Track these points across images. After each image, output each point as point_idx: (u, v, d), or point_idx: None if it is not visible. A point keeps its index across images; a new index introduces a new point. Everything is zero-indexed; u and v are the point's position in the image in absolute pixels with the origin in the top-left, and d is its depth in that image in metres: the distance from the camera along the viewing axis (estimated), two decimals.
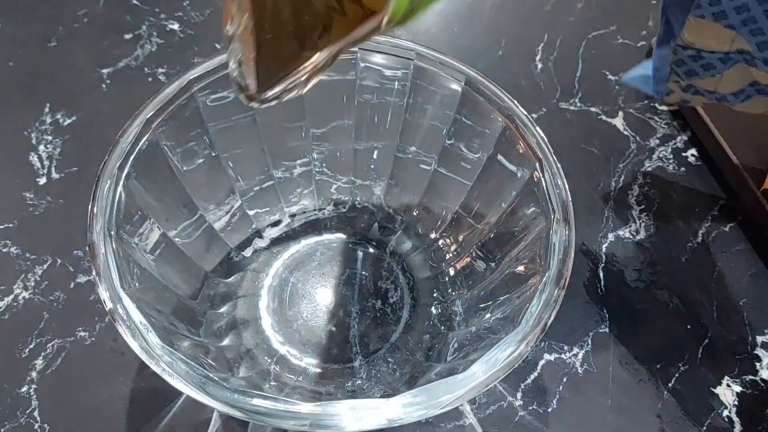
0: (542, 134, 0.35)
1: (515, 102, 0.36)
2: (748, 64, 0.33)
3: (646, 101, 0.56)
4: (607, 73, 0.58)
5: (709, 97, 0.37)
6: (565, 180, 0.34)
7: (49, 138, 0.49)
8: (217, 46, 0.56)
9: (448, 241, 0.44)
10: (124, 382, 0.39)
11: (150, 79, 0.53)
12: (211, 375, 0.27)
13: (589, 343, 0.43)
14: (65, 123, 0.50)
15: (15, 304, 0.42)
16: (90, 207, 0.30)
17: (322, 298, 0.43)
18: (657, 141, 0.54)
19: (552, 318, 0.30)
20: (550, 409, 0.40)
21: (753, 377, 0.43)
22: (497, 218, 0.39)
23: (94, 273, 0.29)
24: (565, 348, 0.43)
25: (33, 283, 0.43)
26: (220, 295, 0.41)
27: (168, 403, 0.39)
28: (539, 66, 0.58)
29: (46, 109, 0.51)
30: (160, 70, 0.54)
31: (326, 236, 0.46)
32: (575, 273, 0.46)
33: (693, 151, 0.53)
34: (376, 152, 0.44)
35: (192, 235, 0.40)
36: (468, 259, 0.42)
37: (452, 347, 0.39)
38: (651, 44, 0.56)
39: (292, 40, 0.25)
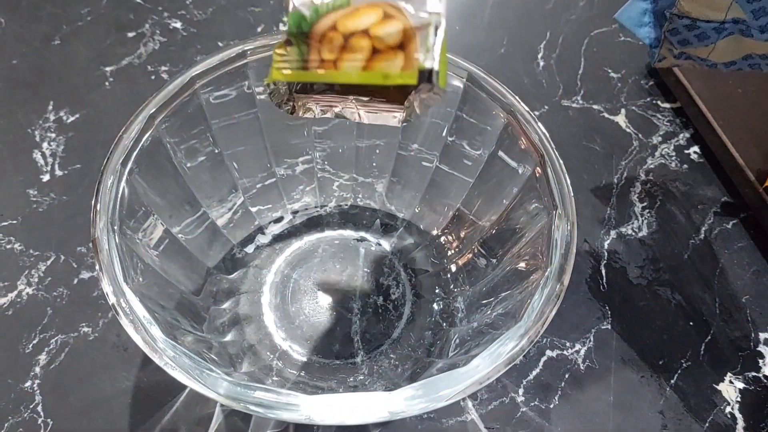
0: (544, 130, 0.35)
1: (517, 98, 0.36)
2: (743, 34, 0.33)
3: (648, 99, 0.56)
4: (609, 70, 0.58)
5: (701, 64, 0.37)
6: (567, 175, 0.34)
7: (53, 135, 0.50)
8: (220, 44, 0.56)
9: (449, 237, 0.44)
10: (127, 377, 0.40)
11: (153, 77, 0.54)
12: (213, 368, 0.27)
13: (592, 339, 0.43)
14: (69, 121, 0.50)
15: (19, 300, 0.42)
16: (93, 202, 0.31)
17: (324, 295, 0.43)
18: (659, 138, 0.54)
19: (554, 312, 0.30)
20: (552, 405, 0.40)
21: (756, 374, 0.43)
22: (499, 215, 0.39)
23: (97, 267, 0.29)
24: (568, 344, 0.43)
25: (36, 279, 0.43)
26: (223, 291, 0.41)
27: (171, 398, 0.39)
28: (541, 64, 0.58)
29: (50, 107, 0.51)
30: (163, 68, 0.54)
31: (328, 233, 0.46)
32: (577, 270, 0.46)
33: (695, 148, 0.53)
34: (377, 150, 0.44)
35: (195, 231, 0.40)
36: (470, 256, 0.42)
37: (454, 343, 0.39)
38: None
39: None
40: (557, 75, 0.57)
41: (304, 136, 0.43)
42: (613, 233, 0.48)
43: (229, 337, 0.39)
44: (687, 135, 0.54)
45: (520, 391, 0.41)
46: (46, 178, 0.47)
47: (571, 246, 0.32)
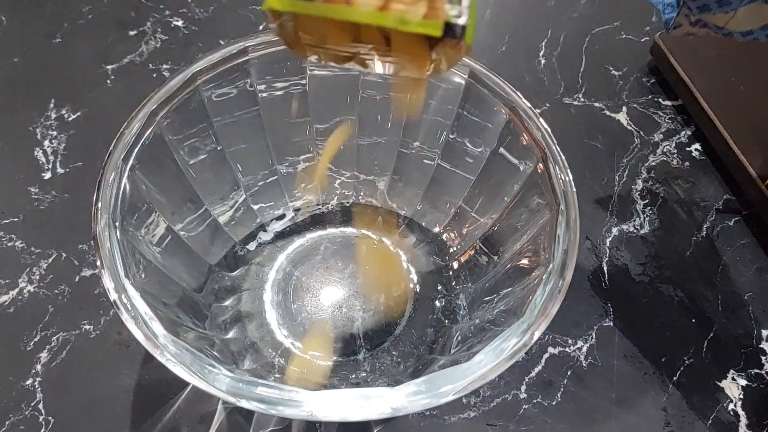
0: (546, 126, 0.35)
1: (519, 94, 0.36)
2: (766, 1, 0.33)
3: (650, 96, 0.56)
4: (611, 68, 0.58)
5: (716, 32, 0.36)
6: (569, 171, 0.34)
7: (54, 133, 0.50)
8: (221, 42, 0.56)
9: (451, 235, 0.44)
10: (128, 374, 0.39)
11: (154, 75, 0.54)
12: (216, 364, 0.27)
13: (594, 336, 0.43)
14: (70, 118, 0.50)
15: (20, 297, 0.42)
16: (94, 198, 0.30)
17: (326, 292, 0.43)
18: (661, 136, 0.54)
19: (556, 308, 0.30)
20: (554, 403, 0.40)
21: (758, 371, 0.42)
22: (500, 212, 0.39)
23: (98, 263, 0.29)
24: (570, 341, 0.43)
25: (38, 277, 0.43)
26: (225, 288, 0.41)
27: (172, 395, 0.39)
28: (543, 62, 0.58)
29: (51, 105, 0.51)
30: (165, 66, 0.54)
31: (330, 230, 0.46)
32: (579, 267, 0.46)
33: (697, 145, 0.53)
34: (379, 147, 0.44)
35: (197, 228, 0.40)
36: (471, 253, 0.42)
37: (456, 340, 0.39)
38: (655, 39, 0.56)
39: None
40: (559, 73, 0.57)
41: (305, 133, 0.43)
42: (615, 230, 0.48)
43: (231, 335, 0.39)
44: (688, 132, 0.54)
45: (523, 388, 0.41)
46: (47, 175, 0.47)
47: (574, 241, 0.32)
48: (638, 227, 0.48)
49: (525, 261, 0.36)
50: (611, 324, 0.44)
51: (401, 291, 0.42)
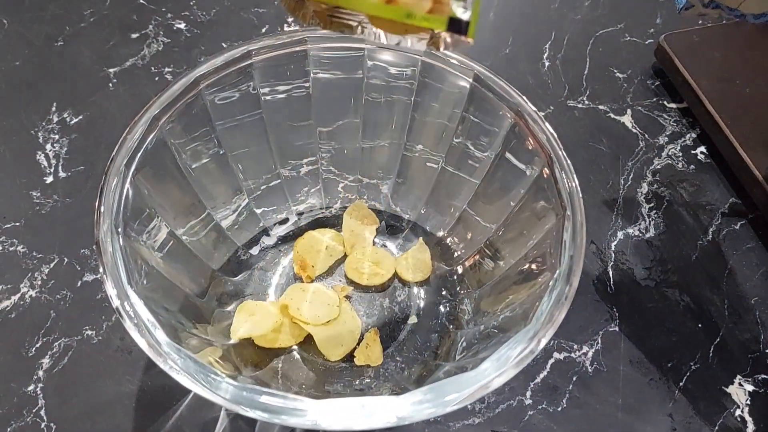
0: (552, 130, 0.35)
1: (524, 97, 0.36)
2: None
3: (654, 99, 0.56)
4: (615, 70, 0.57)
5: (728, 13, 0.36)
6: (575, 176, 0.33)
7: (56, 137, 0.49)
8: (224, 45, 0.56)
9: (456, 239, 0.44)
10: (131, 380, 0.39)
11: (156, 79, 0.53)
12: (218, 372, 0.27)
13: (599, 341, 0.43)
14: (72, 122, 0.50)
15: (22, 302, 0.42)
16: (97, 203, 0.30)
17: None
18: (666, 138, 0.53)
19: (563, 315, 0.29)
20: (560, 408, 0.40)
21: (765, 376, 0.42)
22: (506, 216, 0.39)
23: (101, 270, 0.29)
24: (575, 347, 0.42)
25: (40, 282, 0.43)
26: (228, 293, 0.41)
27: (175, 402, 0.38)
28: (546, 64, 0.57)
29: (53, 108, 0.51)
30: (167, 69, 0.54)
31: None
32: (584, 271, 0.45)
33: (702, 148, 0.53)
34: (383, 151, 0.44)
35: (200, 233, 0.40)
36: (476, 258, 0.42)
37: (461, 346, 0.39)
38: (659, 41, 0.56)
39: None
40: (563, 75, 0.57)
41: (308, 137, 0.43)
42: (620, 234, 0.48)
43: (234, 340, 0.39)
44: (694, 135, 0.54)
45: (528, 393, 0.41)
46: (49, 179, 0.47)
47: (580, 247, 0.31)
48: (643, 231, 0.48)
49: (531, 266, 0.36)
50: (617, 329, 0.43)
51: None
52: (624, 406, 0.40)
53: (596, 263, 0.46)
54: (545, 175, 0.35)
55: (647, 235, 0.48)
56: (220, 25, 0.58)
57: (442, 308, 0.42)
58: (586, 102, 0.55)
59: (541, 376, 0.41)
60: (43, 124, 0.50)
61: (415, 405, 0.27)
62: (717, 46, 0.55)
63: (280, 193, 0.45)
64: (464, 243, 0.43)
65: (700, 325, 0.44)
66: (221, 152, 0.39)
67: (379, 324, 0.41)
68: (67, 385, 0.39)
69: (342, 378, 0.39)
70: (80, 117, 0.51)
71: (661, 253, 0.47)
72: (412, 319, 0.42)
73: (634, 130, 0.53)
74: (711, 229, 0.49)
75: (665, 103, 0.56)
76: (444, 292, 0.43)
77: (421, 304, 0.43)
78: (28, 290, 0.42)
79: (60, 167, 0.48)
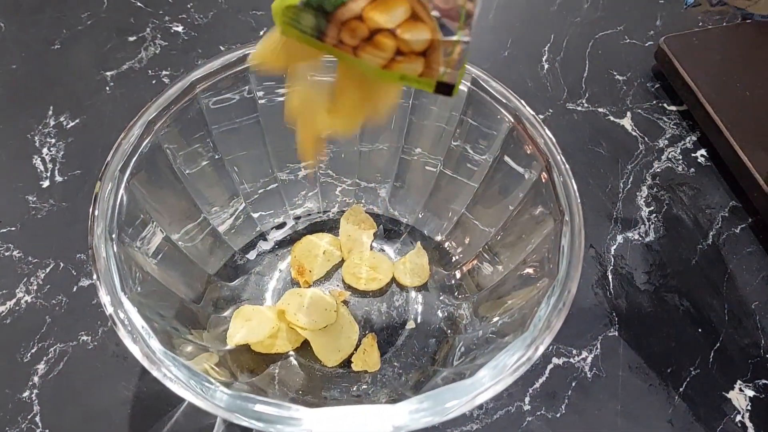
0: (550, 134, 0.34)
1: (522, 102, 0.35)
2: None
3: (654, 102, 0.55)
4: (615, 73, 0.57)
5: (735, 11, 0.35)
6: (573, 181, 0.33)
7: (53, 141, 0.49)
8: (221, 48, 0.56)
9: (454, 243, 0.44)
10: (126, 386, 0.39)
11: (154, 82, 0.53)
12: (212, 380, 0.27)
13: (598, 347, 0.42)
14: (69, 126, 0.50)
15: (17, 308, 0.41)
16: (91, 210, 0.30)
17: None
18: (666, 142, 0.53)
19: (561, 322, 0.29)
20: (558, 414, 0.40)
21: (766, 381, 0.42)
22: (504, 220, 0.38)
23: (94, 276, 0.28)
24: (574, 352, 0.42)
25: (35, 287, 0.42)
26: (224, 298, 0.41)
27: (171, 408, 0.38)
28: (546, 67, 0.57)
29: (50, 112, 0.51)
30: (164, 72, 0.54)
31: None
32: (583, 276, 0.45)
33: (702, 151, 0.53)
34: (381, 154, 0.43)
35: (196, 238, 0.39)
36: (475, 262, 0.42)
37: (459, 351, 0.38)
38: (659, 44, 0.55)
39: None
40: (562, 78, 0.56)
41: None
42: (619, 238, 0.47)
43: (230, 346, 0.38)
44: (694, 138, 0.53)
45: (526, 399, 0.40)
46: (45, 184, 0.47)
47: (578, 253, 0.31)
48: (643, 235, 0.48)
49: (529, 271, 0.36)
50: (616, 334, 0.43)
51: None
52: (623, 412, 0.40)
53: (595, 267, 0.46)
54: (543, 180, 0.34)
55: (647, 239, 0.48)
56: (217, 28, 0.57)
57: (440, 313, 0.42)
58: (586, 105, 0.55)
59: (540, 381, 0.41)
60: (40, 128, 0.50)
61: (411, 413, 0.27)
62: (717, 49, 0.55)
63: (277, 197, 0.44)
64: (462, 247, 0.43)
65: (700, 330, 0.44)
66: (217, 156, 0.39)
67: (376, 329, 0.41)
68: (62, 391, 0.39)
69: (339, 384, 0.39)
70: (77, 121, 0.50)
71: (661, 257, 0.47)
72: (410, 324, 0.42)
73: (634, 133, 0.53)
74: (711, 233, 0.48)
75: (665, 105, 0.55)
76: (442, 297, 0.42)
77: (419, 309, 0.42)
78: (24, 295, 0.42)
79: (56, 171, 0.47)
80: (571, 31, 0.60)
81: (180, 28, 0.57)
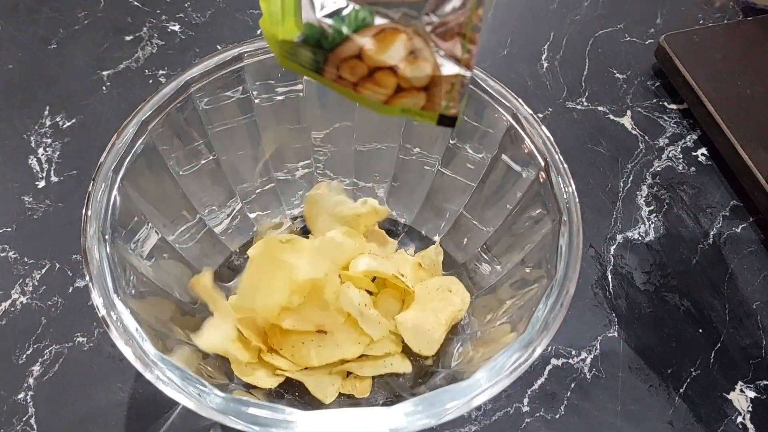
0: (548, 134, 0.34)
1: (520, 101, 0.35)
2: None
3: (654, 100, 0.55)
4: (615, 71, 0.57)
5: (743, 4, 0.35)
6: (572, 180, 0.33)
7: (49, 141, 0.49)
8: (218, 47, 0.55)
9: (452, 243, 0.43)
10: (122, 388, 0.39)
11: (150, 81, 0.53)
12: (206, 383, 0.27)
13: (598, 347, 0.42)
14: (65, 126, 0.50)
15: (12, 309, 0.41)
16: (84, 210, 0.30)
17: None
18: (666, 140, 0.53)
19: (559, 323, 0.29)
20: (557, 416, 0.39)
21: (767, 382, 0.41)
22: (502, 220, 0.38)
23: (87, 278, 0.28)
24: (573, 353, 0.42)
25: (31, 288, 0.42)
26: None
27: (167, 410, 0.38)
28: (545, 65, 0.57)
29: (46, 112, 0.50)
30: (161, 72, 0.54)
31: None
32: (583, 276, 0.45)
33: (703, 150, 0.52)
34: (378, 154, 0.43)
35: (191, 239, 0.39)
36: (473, 262, 0.41)
37: (457, 351, 0.38)
38: (660, 42, 0.55)
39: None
40: (561, 76, 0.56)
41: (303, 140, 0.42)
42: (619, 238, 0.47)
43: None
44: (694, 137, 0.53)
45: (525, 400, 0.40)
46: (41, 184, 0.47)
47: (577, 253, 0.31)
48: (643, 234, 0.47)
49: (527, 271, 0.35)
50: (615, 334, 0.43)
51: None
52: (623, 413, 0.40)
53: (595, 267, 0.46)
54: (541, 179, 0.34)
55: (647, 239, 0.47)
56: (215, 27, 0.57)
57: None
58: (585, 103, 0.54)
59: (539, 382, 0.41)
60: (36, 127, 0.49)
61: (408, 416, 0.26)
62: (718, 47, 0.55)
63: (274, 197, 0.44)
64: (460, 247, 0.43)
65: (700, 330, 0.43)
66: (213, 156, 0.39)
67: None
68: (57, 393, 0.39)
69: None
70: (73, 121, 0.50)
71: (661, 256, 0.46)
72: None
73: (634, 132, 0.53)
74: (712, 233, 0.48)
75: (665, 104, 0.55)
76: None
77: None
78: (19, 296, 0.42)
79: (52, 172, 0.47)
80: (570, 29, 0.60)
81: (177, 28, 0.57)
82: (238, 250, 0.43)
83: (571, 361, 0.42)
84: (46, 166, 0.48)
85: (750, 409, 0.40)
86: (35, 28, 0.56)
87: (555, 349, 0.42)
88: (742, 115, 0.50)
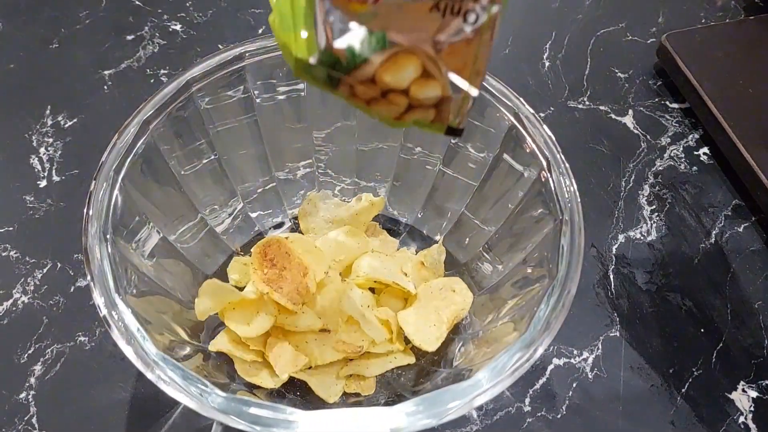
0: (549, 133, 0.34)
1: (521, 100, 0.35)
2: None
3: (656, 99, 0.55)
4: (617, 70, 0.56)
5: None
6: (573, 180, 0.33)
7: (50, 140, 0.49)
8: (220, 46, 0.55)
9: (453, 243, 0.43)
10: (124, 387, 0.39)
11: (152, 81, 0.53)
12: (208, 382, 0.27)
13: (600, 347, 0.42)
14: (66, 125, 0.50)
15: (14, 308, 0.41)
16: (85, 210, 0.30)
17: None
18: (668, 139, 0.52)
19: (560, 323, 0.29)
20: (559, 416, 0.39)
21: None
22: (504, 219, 0.38)
23: (88, 278, 0.28)
24: (575, 352, 0.42)
25: (32, 287, 0.42)
26: None
27: (168, 409, 0.38)
28: (547, 64, 0.57)
29: (47, 111, 0.50)
30: (162, 71, 0.54)
31: None
32: (584, 275, 0.44)
33: (705, 149, 0.52)
34: (380, 153, 0.43)
35: (193, 238, 0.39)
36: (475, 261, 0.41)
37: (459, 351, 0.38)
38: (661, 41, 0.55)
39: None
40: (563, 75, 0.56)
41: (304, 139, 0.42)
42: (621, 237, 0.47)
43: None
44: (696, 136, 0.53)
45: (526, 400, 0.40)
46: (42, 183, 0.47)
47: (578, 254, 0.31)
48: (645, 234, 0.47)
49: (529, 270, 0.35)
50: (617, 334, 0.43)
51: None
52: (625, 413, 0.40)
53: (597, 267, 0.46)
54: (543, 179, 0.34)
55: (649, 238, 0.47)
56: (216, 27, 0.57)
57: None
58: (587, 102, 0.54)
59: (540, 382, 0.41)
60: (37, 127, 0.49)
61: (409, 416, 0.26)
62: (720, 46, 0.54)
63: (275, 197, 0.44)
64: (462, 247, 0.42)
65: (702, 330, 0.43)
66: (214, 156, 0.39)
67: None
68: (59, 392, 0.39)
69: None
70: (75, 120, 0.50)
71: (663, 256, 0.46)
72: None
73: (636, 131, 0.53)
74: (714, 232, 0.48)
75: (667, 103, 0.55)
76: None
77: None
78: (21, 296, 0.42)
79: (54, 171, 0.47)
80: (572, 28, 0.59)
81: (179, 27, 0.57)
82: (239, 250, 0.43)
83: (572, 360, 0.42)
84: (47, 165, 0.48)
85: (752, 409, 0.40)
86: (36, 28, 0.56)
87: (556, 348, 0.42)
88: (744, 114, 0.50)
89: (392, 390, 0.38)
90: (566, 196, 0.32)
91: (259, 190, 0.43)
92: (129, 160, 0.32)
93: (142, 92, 0.52)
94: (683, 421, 0.40)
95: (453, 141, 0.39)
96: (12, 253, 0.43)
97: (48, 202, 0.46)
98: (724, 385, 0.41)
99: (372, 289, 0.40)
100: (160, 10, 0.57)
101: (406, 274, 0.40)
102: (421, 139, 0.41)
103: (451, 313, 0.38)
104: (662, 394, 0.41)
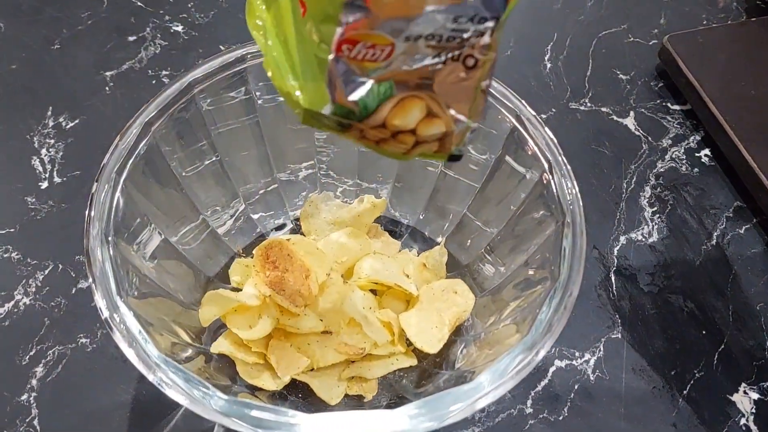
0: (551, 135, 0.34)
1: (523, 102, 0.35)
2: None
3: (658, 101, 0.55)
4: (618, 72, 0.56)
5: None
6: (575, 182, 0.33)
7: (52, 141, 0.49)
8: (222, 47, 0.55)
9: (455, 245, 0.43)
10: (125, 389, 0.39)
11: (154, 82, 0.53)
12: (209, 385, 0.27)
13: (601, 349, 0.42)
14: (68, 126, 0.50)
15: (15, 310, 0.41)
16: (87, 212, 0.30)
17: None
18: (669, 141, 0.52)
19: (562, 325, 0.29)
20: (561, 417, 0.39)
21: None
22: (506, 221, 0.38)
23: (90, 280, 0.28)
24: (577, 354, 0.42)
25: (34, 289, 0.42)
26: None
27: (170, 411, 0.38)
28: (548, 65, 0.57)
29: (49, 113, 0.50)
30: (164, 72, 0.54)
31: None
32: (586, 277, 0.44)
33: (706, 151, 0.52)
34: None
35: (194, 240, 0.39)
36: (476, 263, 0.41)
37: (460, 353, 0.38)
38: (663, 42, 0.55)
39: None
40: (565, 77, 0.56)
41: (306, 140, 0.42)
42: (622, 239, 0.47)
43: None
44: (698, 137, 0.53)
45: (528, 402, 0.40)
46: (44, 185, 0.47)
47: (580, 255, 0.31)
48: (646, 235, 0.47)
49: (531, 273, 0.35)
50: (619, 336, 0.43)
51: None
52: (627, 415, 0.40)
53: (598, 268, 0.46)
54: (545, 181, 0.34)
55: (650, 240, 0.47)
56: (218, 28, 0.57)
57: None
58: (589, 104, 0.54)
59: (542, 384, 0.40)
60: (39, 128, 0.49)
61: (411, 418, 0.26)
62: (722, 48, 0.54)
63: (277, 198, 0.44)
64: (464, 248, 0.42)
65: (704, 332, 0.43)
66: (216, 157, 0.39)
67: None
68: (60, 394, 0.39)
69: None
70: (76, 121, 0.50)
71: (665, 258, 0.46)
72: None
73: (637, 133, 0.53)
74: (715, 234, 0.48)
75: (669, 105, 0.55)
76: None
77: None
78: (22, 297, 0.42)
79: (55, 172, 0.47)
80: (574, 29, 0.59)
81: (180, 28, 0.57)
82: (241, 251, 0.43)
83: (574, 362, 0.41)
84: (49, 166, 0.48)
85: (753, 410, 0.40)
86: (38, 29, 0.56)
87: (558, 350, 0.42)
88: (745, 115, 0.50)
89: (394, 392, 0.38)
90: (568, 198, 0.32)
91: (261, 192, 0.43)
92: (131, 161, 0.32)
93: (143, 93, 0.52)
94: (685, 423, 0.40)
95: None
96: (13, 254, 0.43)
97: (49, 204, 0.46)
98: (725, 387, 0.41)
99: (374, 291, 0.40)
100: (161, 11, 0.57)
101: (407, 276, 0.40)
102: None
103: (453, 315, 0.38)
104: (664, 395, 0.41)
